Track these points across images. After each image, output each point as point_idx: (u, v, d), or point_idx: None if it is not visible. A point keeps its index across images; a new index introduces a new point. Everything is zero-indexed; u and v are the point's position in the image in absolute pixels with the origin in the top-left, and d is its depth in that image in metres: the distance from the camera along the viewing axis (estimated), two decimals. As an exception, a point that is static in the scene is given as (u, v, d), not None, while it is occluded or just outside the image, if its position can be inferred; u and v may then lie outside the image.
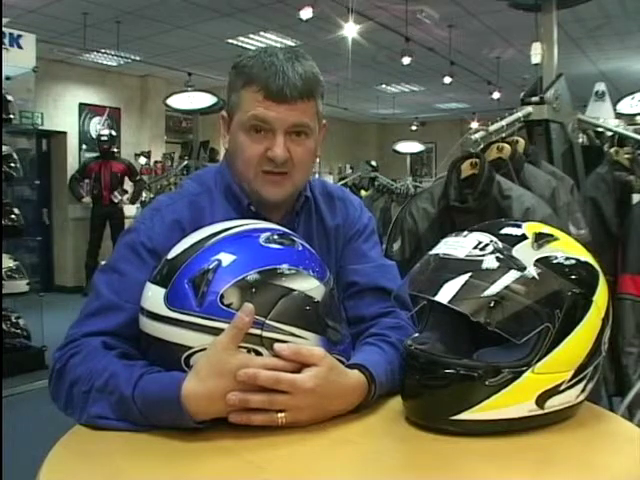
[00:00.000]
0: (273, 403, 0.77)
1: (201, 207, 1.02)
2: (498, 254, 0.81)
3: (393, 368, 0.89)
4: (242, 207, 1.04)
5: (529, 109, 2.19)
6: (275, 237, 0.86)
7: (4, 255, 3.92)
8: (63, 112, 7.30)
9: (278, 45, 6.25)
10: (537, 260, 0.81)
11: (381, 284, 1.06)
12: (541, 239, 0.84)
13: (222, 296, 0.78)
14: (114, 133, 7.25)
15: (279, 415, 0.77)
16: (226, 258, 0.81)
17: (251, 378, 0.75)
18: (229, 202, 1.05)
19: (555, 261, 0.82)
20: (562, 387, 0.80)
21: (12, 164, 3.91)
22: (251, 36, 6.54)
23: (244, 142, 0.99)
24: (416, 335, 0.89)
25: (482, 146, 1.98)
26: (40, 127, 4.49)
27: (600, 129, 2.57)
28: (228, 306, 0.78)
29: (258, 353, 0.78)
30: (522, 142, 2.08)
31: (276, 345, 0.78)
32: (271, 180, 1.00)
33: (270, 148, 0.97)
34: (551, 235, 0.86)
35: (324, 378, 0.79)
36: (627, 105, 3.72)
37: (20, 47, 3.92)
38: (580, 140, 2.47)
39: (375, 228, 1.17)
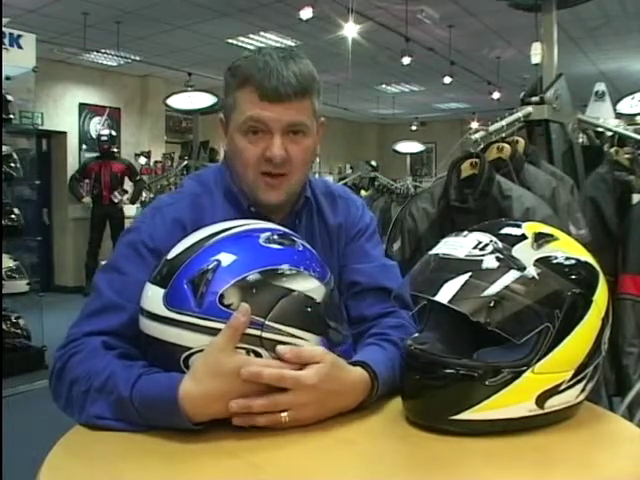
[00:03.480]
0: (277, 405, 0.77)
1: (202, 207, 1.02)
2: (498, 254, 0.81)
3: (394, 365, 0.89)
4: (243, 208, 1.04)
5: (529, 109, 2.19)
6: (275, 237, 0.86)
7: (4, 255, 3.92)
8: (63, 112, 7.30)
9: (278, 45, 6.28)
10: (537, 260, 0.81)
11: (383, 284, 1.06)
12: (541, 239, 0.84)
13: (222, 296, 0.78)
14: (114, 133, 7.25)
15: (282, 415, 0.77)
16: (226, 258, 0.80)
17: (254, 376, 0.75)
18: (230, 202, 1.05)
19: (555, 261, 0.82)
20: (562, 387, 0.80)
21: (12, 164, 3.91)
22: (251, 36, 6.55)
23: (242, 144, 0.99)
24: (416, 335, 0.89)
25: (482, 146, 1.98)
26: (40, 127, 4.50)
27: (600, 129, 2.57)
28: (228, 307, 0.77)
29: (257, 354, 0.78)
30: (522, 142, 2.08)
31: (278, 347, 0.78)
32: (269, 183, 1.00)
33: (268, 149, 0.97)
34: (551, 235, 0.86)
35: (326, 374, 0.79)
36: (627, 105, 3.72)
37: (20, 47, 3.92)
38: (580, 140, 2.47)
39: (377, 228, 1.17)
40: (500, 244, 0.83)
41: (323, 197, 1.13)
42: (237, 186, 1.05)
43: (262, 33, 6.46)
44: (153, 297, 0.82)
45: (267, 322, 0.78)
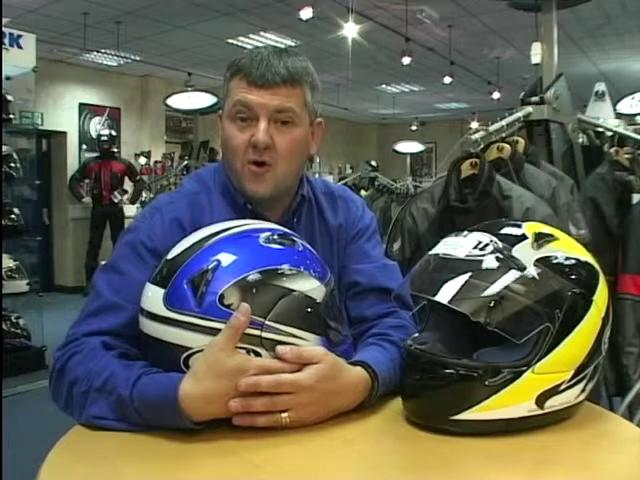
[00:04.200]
0: (276, 404, 0.77)
1: (201, 206, 1.02)
2: (498, 254, 0.81)
3: (395, 366, 0.89)
4: (239, 206, 1.03)
5: (529, 109, 2.19)
6: (275, 237, 0.86)
7: (4, 255, 3.92)
8: (63, 112, 7.29)
9: (278, 46, 6.29)
10: (537, 260, 0.81)
11: (383, 284, 1.06)
12: (541, 239, 0.84)
13: (222, 296, 0.78)
14: (114, 133, 7.25)
15: (283, 415, 0.78)
16: (226, 258, 0.80)
17: (252, 387, 0.75)
18: (227, 201, 1.04)
19: (555, 261, 0.82)
20: (562, 387, 0.80)
21: (12, 164, 3.91)
22: (251, 36, 6.54)
23: (230, 132, 0.99)
24: (416, 335, 0.89)
25: (482, 146, 1.98)
26: (40, 127, 4.50)
27: (600, 129, 2.57)
28: (228, 306, 0.78)
29: (257, 354, 0.78)
30: (522, 142, 2.08)
31: (278, 348, 0.78)
32: (253, 172, 0.98)
33: (253, 135, 0.97)
34: (551, 235, 0.86)
35: (325, 375, 0.79)
36: (627, 105, 3.72)
37: (20, 47, 3.93)
38: (580, 140, 2.47)
39: (377, 228, 1.17)
40: (500, 244, 0.83)
41: (323, 197, 1.12)
42: (233, 182, 1.04)
43: (262, 33, 6.46)
44: (153, 297, 0.82)
45: (267, 322, 0.78)
